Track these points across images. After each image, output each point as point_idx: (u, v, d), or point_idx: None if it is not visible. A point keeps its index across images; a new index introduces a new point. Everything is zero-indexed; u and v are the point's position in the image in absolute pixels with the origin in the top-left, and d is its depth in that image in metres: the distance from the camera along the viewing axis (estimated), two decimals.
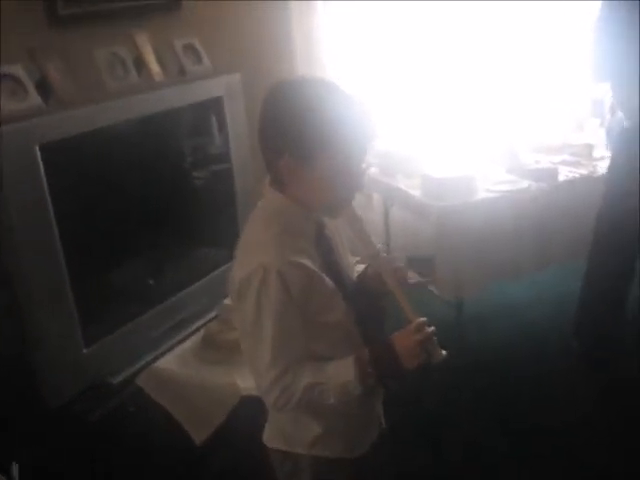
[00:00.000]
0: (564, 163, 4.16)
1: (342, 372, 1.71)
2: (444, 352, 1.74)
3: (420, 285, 1.88)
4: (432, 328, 1.73)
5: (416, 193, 3.89)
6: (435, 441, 3.33)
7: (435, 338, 1.73)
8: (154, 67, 3.16)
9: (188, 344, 2.99)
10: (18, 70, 2.62)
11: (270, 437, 1.97)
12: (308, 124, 1.61)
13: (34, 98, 2.64)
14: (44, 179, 2.50)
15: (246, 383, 2.55)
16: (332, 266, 1.80)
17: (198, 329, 3.11)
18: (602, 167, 4.05)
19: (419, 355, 1.71)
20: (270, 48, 4.00)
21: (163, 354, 2.95)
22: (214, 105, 3.34)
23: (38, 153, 2.47)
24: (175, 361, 2.88)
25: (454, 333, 3.97)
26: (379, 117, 4.06)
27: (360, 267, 1.98)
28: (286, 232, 1.70)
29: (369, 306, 1.90)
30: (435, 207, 3.71)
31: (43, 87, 2.72)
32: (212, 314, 3.17)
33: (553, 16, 4.71)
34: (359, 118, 1.66)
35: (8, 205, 2.45)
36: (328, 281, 1.73)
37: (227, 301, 3.00)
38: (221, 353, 2.82)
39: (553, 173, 3.97)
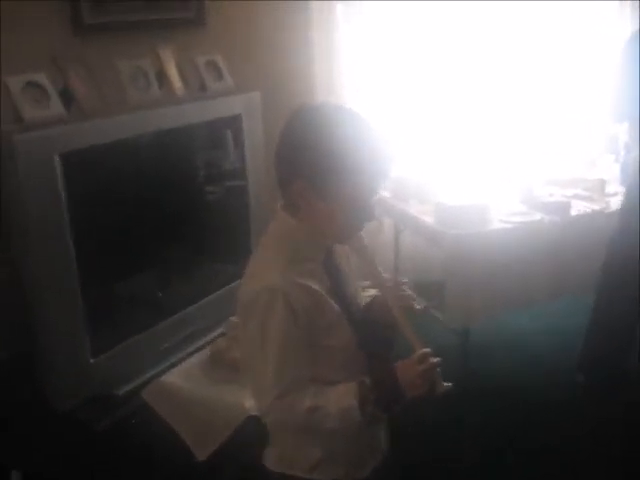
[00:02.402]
0: (577, 197, 4.14)
1: (344, 397, 1.69)
2: (447, 384, 1.72)
3: (425, 311, 1.86)
4: (437, 359, 1.71)
5: (429, 220, 3.88)
6: (440, 463, 3.32)
7: (439, 369, 1.71)
8: (176, 81, 3.18)
9: (195, 359, 2.99)
10: (42, 78, 2.65)
11: (270, 459, 1.95)
12: (325, 152, 1.61)
13: (57, 106, 2.66)
14: (62, 188, 2.52)
15: (252, 402, 2.53)
16: (339, 291, 1.80)
17: (205, 344, 3.11)
18: (615, 203, 4.04)
19: (421, 385, 1.69)
20: (290, 68, 4.01)
21: (169, 368, 2.95)
22: (233, 122, 3.36)
23: (58, 162, 2.49)
24: (181, 376, 2.87)
25: (459, 361, 3.96)
26: (396, 147, 4.05)
27: (368, 292, 1.98)
28: (295, 256, 1.70)
29: (375, 334, 1.88)
30: (448, 235, 3.69)
31: (66, 96, 2.74)
32: (220, 330, 3.16)
33: (572, 51, 4.74)
34: (378, 152, 1.65)
35: (24, 212, 2.47)
36: (334, 305, 1.73)
37: (235, 318, 3.00)
38: (228, 371, 2.81)
39: (566, 207, 3.96)
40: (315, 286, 1.69)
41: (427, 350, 1.71)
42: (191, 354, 3.06)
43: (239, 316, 1.72)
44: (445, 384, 1.72)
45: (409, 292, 1.85)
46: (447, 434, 3.53)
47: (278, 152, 1.69)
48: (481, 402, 3.72)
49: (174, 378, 2.86)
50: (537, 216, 3.88)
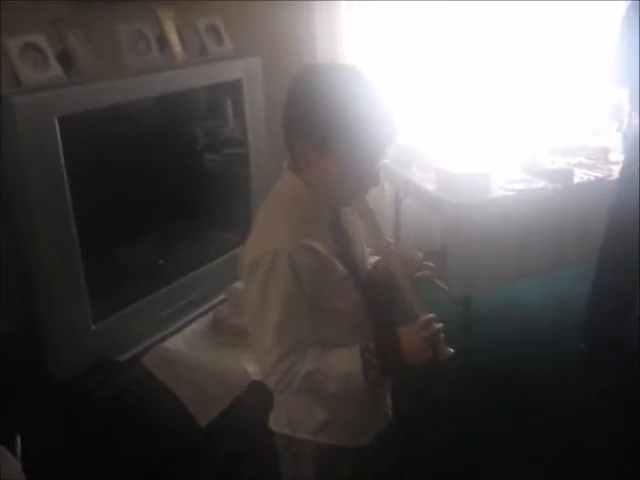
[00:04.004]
0: (580, 165, 4.14)
1: (346, 362, 1.70)
2: (451, 350, 1.72)
3: (428, 278, 1.84)
4: (440, 325, 1.71)
5: (430, 187, 3.87)
6: (441, 430, 3.34)
7: (443, 335, 1.71)
8: (176, 46, 3.13)
9: (196, 326, 2.99)
10: (41, 40, 2.60)
11: (275, 421, 1.96)
12: (327, 113, 1.59)
13: (55, 69, 2.61)
14: (62, 151, 2.48)
15: (255, 368, 2.53)
16: (345, 253, 1.79)
17: (207, 311, 3.10)
18: (617, 171, 4.03)
19: (425, 352, 1.69)
20: (292, 33, 3.98)
21: (171, 334, 2.94)
22: (233, 87, 3.32)
23: (57, 125, 2.45)
24: (183, 342, 2.87)
25: (460, 330, 3.96)
26: (401, 112, 4.01)
27: (374, 259, 1.97)
28: (301, 217, 1.69)
29: (379, 298, 1.88)
30: (450, 203, 3.68)
31: (64, 59, 2.70)
32: (221, 297, 3.15)
33: (576, 17, 4.70)
34: (382, 115, 1.62)
35: (24, 176, 2.44)
36: (340, 267, 1.72)
37: (236, 285, 3.00)
38: (230, 337, 2.82)
39: (569, 174, 3.95)
40: (320, 247, 1.67)
41: (431, 316, 1.71)
42: (192, 321, 3.05)
43: (243, 277, 1.71)
44: (449, 350, 1.72)
45: (414, 256, 1.83)
46: (449, 402, 3.54)
47: (285, 111, 1.67)
48: (482, 371, 3.73)
49: (176, 344, 2.86)
50: (540, 184, 3.87)
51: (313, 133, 1.62)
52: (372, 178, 1.70)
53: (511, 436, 3.29)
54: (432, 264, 1.82)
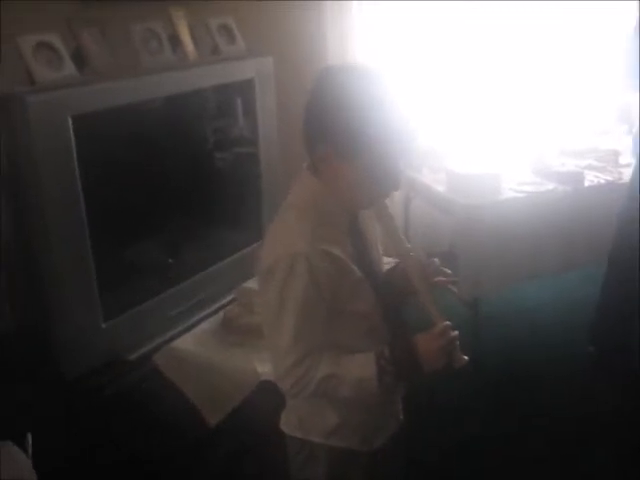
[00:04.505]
0: (590, 168, 4.12)
1: (361, 367, 1.70)
2: (466, 357, 1.73)
3: (444, 284, 1.85)
4: (456, 332, 1.71)
5: (440, 188, 3.87)
6: (451, 432, 3.35)
7: (458, 342, 1.72)
8: (188, 45, 3.14)
9: (206, 325, 2.99)
10: (54, 39, 2.60)
11: (287, 423, 1.96)
12: (348, 117, 1.58)
13: (69, 67, 2.62)
14: (74, 150, 2.49)
15: (265, 368, 2.54)
16: (362, 257, 1.79)
17: (216, 311, 3.11)
18: (628, 174, 4.02)
19: (441, 359, 1.70)
20: (303, 32, 3.98)
21: (181, 334, 2.95)
22: (245, 87, 3.32)
23: (70, 124, 2.46)
24: (193, 341, 2.87)
25: (469, 332, 3.94)
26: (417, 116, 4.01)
27: (388, 260, 1.97)
28: (319, 220, 1.69)
29: (394, 302, 1.88)
30: (459, 204, 3.67)
31: (78, 58, 2.70)
32: (231, 297, 3.16)
33: (585, 18, 4.69)
34: (402, 121, 1.62)
35: (37, 174, 2.44)
36: (356, 271, 1.72)
37: (246, 284, 3.00)
38: (240, 337, 2.82)
39: (579, 177, 3.94)
40: (338, 252, 1.67)
41: (447, 323, 1.71)
42: (202, 320, 3.06)
43: (259, 279, 1.71)
44: (463, 357, 1.73)
45: (432, 260, 1.83)
46: (456, 404, 3.54)
47: (305, 114, 1.67)
48: (490, 372, 3.72)
49: (186, 344, 2.86)
50: (549, 186, 3.86)
51: (333, 138, 1.61)
52: (392, 183, 1.70)
53: (518, 438, 3.30)
54: (449, 270, 1.83)
